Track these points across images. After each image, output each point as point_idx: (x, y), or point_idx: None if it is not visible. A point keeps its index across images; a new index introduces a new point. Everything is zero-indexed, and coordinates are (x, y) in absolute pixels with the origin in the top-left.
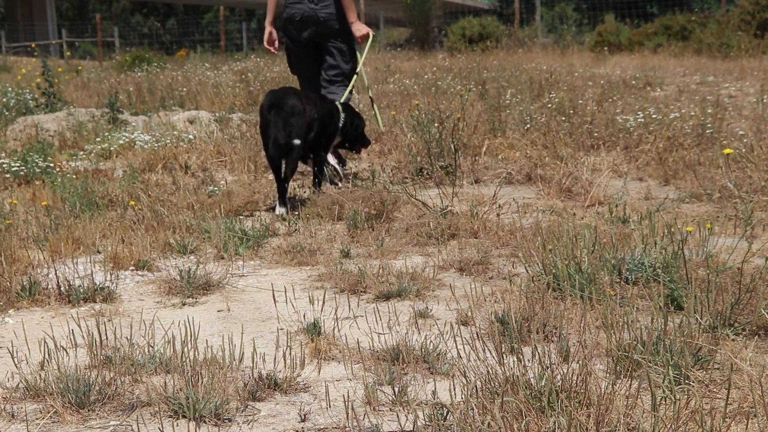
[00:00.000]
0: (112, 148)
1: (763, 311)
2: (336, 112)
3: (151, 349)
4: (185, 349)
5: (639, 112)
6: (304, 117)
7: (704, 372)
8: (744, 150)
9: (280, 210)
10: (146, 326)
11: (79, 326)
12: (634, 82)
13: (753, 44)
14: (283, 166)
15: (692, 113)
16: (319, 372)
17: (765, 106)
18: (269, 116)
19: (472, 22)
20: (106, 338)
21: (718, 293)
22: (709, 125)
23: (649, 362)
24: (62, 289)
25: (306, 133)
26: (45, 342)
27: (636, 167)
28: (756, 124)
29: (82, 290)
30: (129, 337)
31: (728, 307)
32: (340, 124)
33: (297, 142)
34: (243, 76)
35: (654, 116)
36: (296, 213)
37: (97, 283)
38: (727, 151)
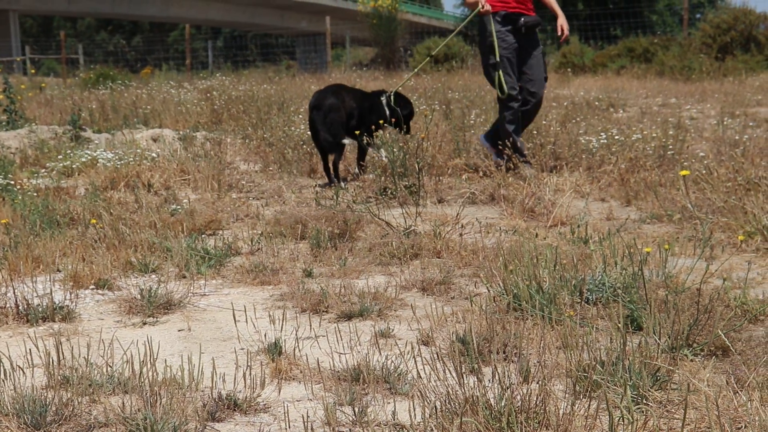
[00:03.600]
0: (74, 166)
1: (720, 332)
2: (377, 105)
3: (109, 369)
4: (144, 369)
5: (602, 134)
6: (341, 112)
7: (662, 392)
8: (704, 171)
9: (334, 185)
10: (105, 346)
11: (37, 346)
12: (597, 103)
13: (714, 67)
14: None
15: (654, 135)
16: (280, 392)
17: (725, 128)
18: (313, 115)
19: (438, 43)
20: (64, 358)
21: (677, 314)
22: (670, 147)
23: (608, 382)
24: (20, 308)
25: (346, 124)
26: (1, 362)
27: (598, 188)
28: (716, 145)
29: (40, 309)
30: (87, 357)
31: (686, 328)
32: (388, 113)
33: (345, 141)
34: (208, 95)
35: (617, 137)
36: (344, 185)
37: (56, 303)
38: (683, 172)
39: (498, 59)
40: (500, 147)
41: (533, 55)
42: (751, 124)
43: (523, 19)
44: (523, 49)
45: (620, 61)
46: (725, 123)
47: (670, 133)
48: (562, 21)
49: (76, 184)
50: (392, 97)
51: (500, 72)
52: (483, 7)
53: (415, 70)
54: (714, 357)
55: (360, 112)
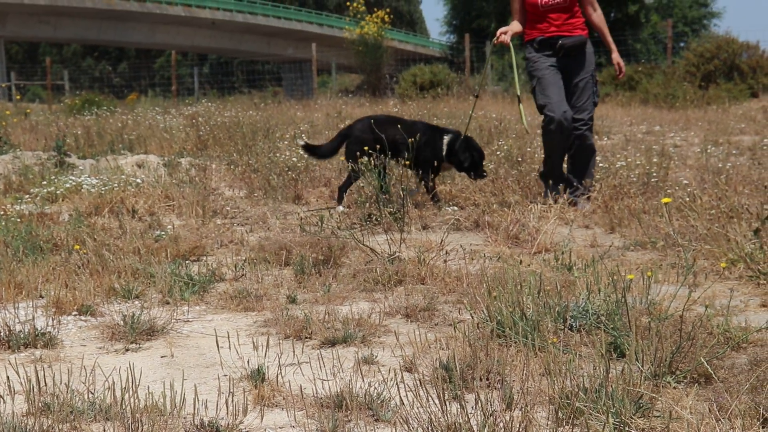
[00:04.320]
0: (58, 192)
1: (702, 360)
2: (429, 142)
3: (91, 395)
4: (126, 395)
5: None
6: (361, 144)
7: (645, 420)
8: (688, 199)
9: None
10: (87, 372)
11: (18, 372)
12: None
13: (698, 95)
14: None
15: (638, 162)
16: (262, 419)
17: (708, 155)
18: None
19: (423, 70)
20: (45, 385)
21: (660, 341)
22: (654, 174)
23: (591, 410)
24: (2, 334)
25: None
26: None
27: (582, 215)
28: (699, 173)
29: (22, 336)
30: (68, 384)
31: (669, 355)
32: (443, 153)
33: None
34: (193, 121)
35: (601, 165)
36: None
37: (38, 329)
38: (665, 200)
39: (519, 92)
40: (545, 179)
41: (579, 80)
42: (734, 152)
43: (561, 41)
44: (568, 73)
45: (605, 88)
46: (709, 151)
47: (654, 160)
48: (617, 57)
49: (60, 210)
50: (459, 140)
51: (521, 105)
52: (497, 38)
53: (471, 113)
54: (697, 384)
55: (409, 146)
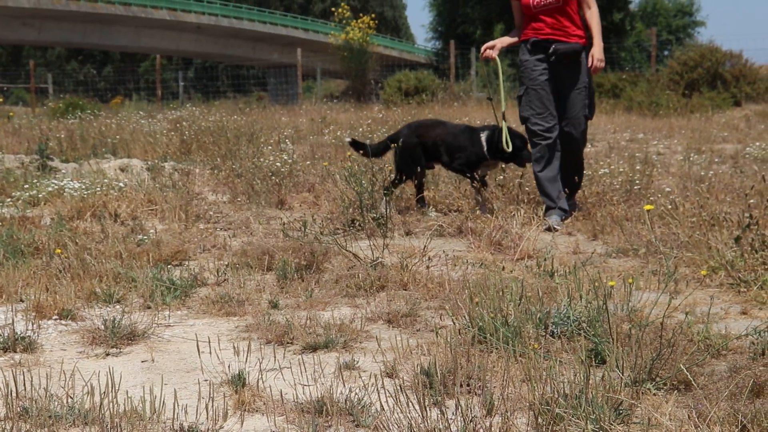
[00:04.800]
0: (40, 196)
1: (682, 366)
2: (468, 141)
3: (70, 400)
4: (105, 400)
5: None
6: (406, 148)
7: (624, 426)
8: (670, 206)
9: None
10: (66, 377)
11: None
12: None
13: (681, 103)
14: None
15: (621, 170)
16: (242, 424)
17: (691, 163)
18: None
19: (408, 76)
20: (24, 389)
21: (640, 348)
22: (637, 182)
23: (570, 416)
24: None
25: (424, 157)
26: None
27: (565, 222)
28: (682, 181)
29: (1, 340)
30: (47, 388)
31: (649, 362)
32: (484, 149)
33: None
34: (177, 125)
35: (584, 172)
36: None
37: (18, 333)
38: (647, 207)
39: (504, 109)
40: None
41: (571, 91)
42: (716, 160)
43: (554, 46)
44: (560, 81)
45: None
46: (691, 159)
47: (637, 168)
48: (594, 50)
49: (41, 214)
50: (497, 135)
51: (505, 125)
52: (483, 53)
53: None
54: (676, 391)
55: (449, 148)
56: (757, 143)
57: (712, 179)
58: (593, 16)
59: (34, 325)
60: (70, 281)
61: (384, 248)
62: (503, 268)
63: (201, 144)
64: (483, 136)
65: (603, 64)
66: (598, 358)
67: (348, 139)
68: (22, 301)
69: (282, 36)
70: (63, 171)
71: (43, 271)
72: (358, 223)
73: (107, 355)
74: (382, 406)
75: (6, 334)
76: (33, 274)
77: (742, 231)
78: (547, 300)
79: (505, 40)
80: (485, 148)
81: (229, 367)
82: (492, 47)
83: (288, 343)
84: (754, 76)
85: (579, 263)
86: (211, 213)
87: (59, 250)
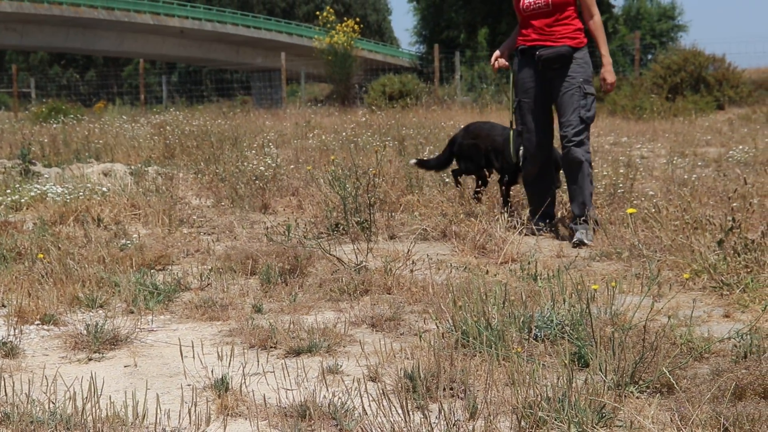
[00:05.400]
0: (22, 200)
1: (665, 369)
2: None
3: (52, 405)
4: (87, 405)
5: None
6: (462, 151)
7: (607, 429)
8: (653, 210)
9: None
10: (48, 382)
11: None
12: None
13: (665, 107)
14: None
15: (605, 173)
16: (225, 429)
17: (674, 167)
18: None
19: (393, 80)
20: (5, 394)
21: (623, 351)
22: (621, 185)
23: (553, 419)
24: None
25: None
26: None
27: (549, 226)
28: (665, 184)
29: None
30: (28, 393)
31: (632, 365)
32: (521, 162)
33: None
34: (161, 129)
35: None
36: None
37: (0, 338)
38: (630, 210)
39: (512, 119)
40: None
41: (562, 93)
42: (699, 163)
43: (538, 52)
44: (552, 88)
45: None
46: (675, 162)
47: (621, 171)
48: (605, 72)
49: (24, 219)
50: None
51: (512, 134)
52: (494, 65)
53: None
54: (659, 394)
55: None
56: (740, 147)
57: (696, 183)
58: (597, 26)
59: (16, 330)
60: (53, 286)
61: (368, 252)
62: (487, 272)
63: (185, 148)
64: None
65: (613, 86)
66: (581, 361)
67: (413, 161)
68: (4, 306)
69: (266, 40)
70: (46, 176)
71: (25, 276)
72: (342, 227)
73: (90, 360)
74: (365, 410)
75: None
76: (15, 279)
77: (725, 234)
78: (531, 303)
79: (508, 44)
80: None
81: (212, 371)
82: (499, 56)
83: (271, 347)
84: (737, 80)
85: (562, 267)
86: (195, 217)
87: (42, 255)
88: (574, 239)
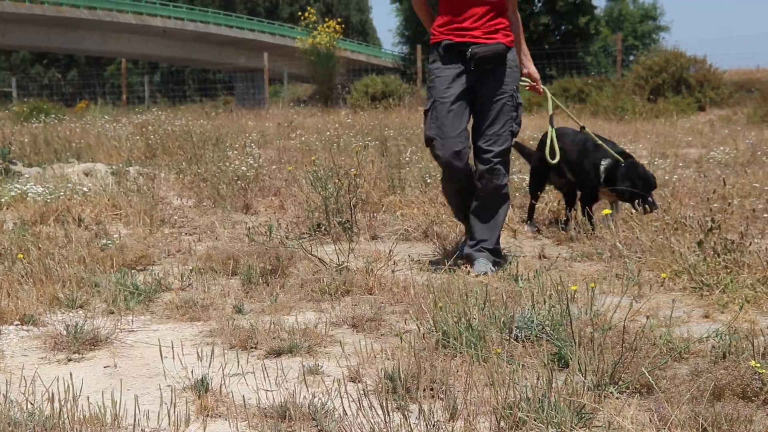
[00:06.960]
0: (2, 200)
1: (644, 370)
2: (587, 164)
3: (30, 406)
4: (66, 406)
5: None
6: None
7: (586, 430)
8: (634, 211)
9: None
10: (27, 383)
11: None
12: (532, 142)
13: (646, 108)
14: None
15: None
16: (204, 430)
17: (656, 168)
18: None
19: (375, 80)
20: None
21: (603, 351)
22: None
23: (533, 420)
24: None
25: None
26: None
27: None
28: None
29: None
30: (6, 394)
31: (611, 366)
32: (602, 179)
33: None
34: (143, 129)
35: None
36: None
37: None
38: (605, 211)
39: (551, 112)
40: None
41: (494, 101)
42: (680, 164)
43: (471, 49)
44: (480, 91)
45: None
46: (656, 163)
47: None
48: (530, 67)
49: (4, 218)
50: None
51: (551, 130)
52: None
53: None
54: (638, 395)
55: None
56: (721, 148)
57: (676, 184)
58: (517, 24)
59: None
60: (33, 286)
61: (349, 253)
62: (468, 273)
63: (166, 148)
64: (604, 164)
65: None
66: (561, 361)
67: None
68: None
69: (249, 40)
70: (26, 175)
71: (4, 276)
72: (323, 228)
73: (69, 360)
74: (345, 410)
75: None
76: None
77: (705, 235)
78: (511, 304)
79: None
80: (603, 177)
81: (192, 372)
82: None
83: (252, 348)
84: (718, 81)
85: (543, 267)
86: (176, 217)
87: (21, 255)
88: (476, 269)
